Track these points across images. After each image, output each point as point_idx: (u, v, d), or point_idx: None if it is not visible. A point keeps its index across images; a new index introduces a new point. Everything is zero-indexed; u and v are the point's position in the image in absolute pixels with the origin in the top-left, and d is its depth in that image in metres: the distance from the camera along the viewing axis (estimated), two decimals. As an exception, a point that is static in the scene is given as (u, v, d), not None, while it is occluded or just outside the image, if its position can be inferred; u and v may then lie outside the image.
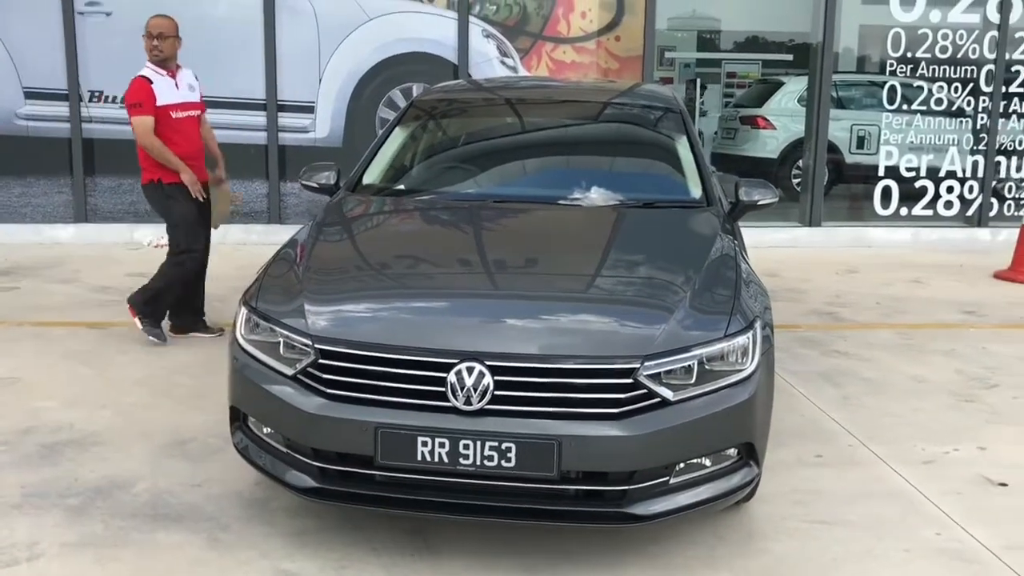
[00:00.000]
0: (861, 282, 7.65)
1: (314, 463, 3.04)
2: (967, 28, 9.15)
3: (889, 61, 9.17)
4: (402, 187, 4.26)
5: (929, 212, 9.47)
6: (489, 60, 8.75)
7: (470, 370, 2.87)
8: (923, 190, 9.42)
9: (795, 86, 11.49)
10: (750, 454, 3.13)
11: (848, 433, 4.35)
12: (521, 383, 2.88)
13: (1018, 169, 9.47)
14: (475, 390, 2.86)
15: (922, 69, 9.18)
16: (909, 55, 9.14)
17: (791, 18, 11.79)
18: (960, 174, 9.41)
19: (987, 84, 9.24)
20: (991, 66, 9.21)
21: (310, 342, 3.03)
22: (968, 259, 8.71)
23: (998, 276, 7.94)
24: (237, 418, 3.35)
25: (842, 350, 5.68)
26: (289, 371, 3.08)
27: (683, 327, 3.02)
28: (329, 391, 2.98)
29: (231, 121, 8.63)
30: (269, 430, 3.21)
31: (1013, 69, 9.26)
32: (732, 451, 3.11)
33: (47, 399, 4.58)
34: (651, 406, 2.90)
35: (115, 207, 8.74)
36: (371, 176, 4.29)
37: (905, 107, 9.28)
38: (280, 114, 8.61)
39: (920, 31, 9.10)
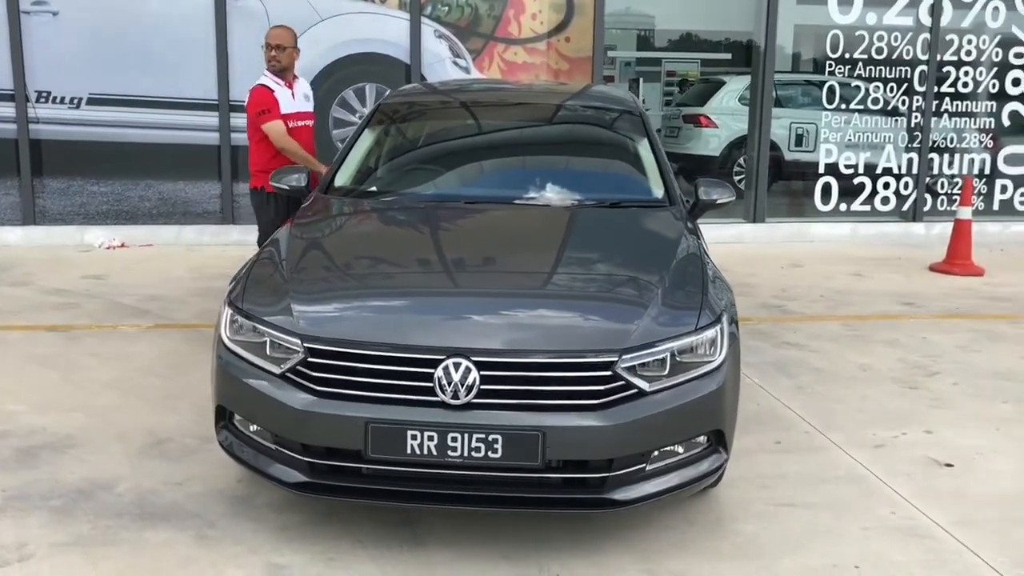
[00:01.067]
0: (805, 276, 7.93)
1: (303, 458, 3.13)
2: (901, 30, 9.51)
3: (828, 61, 9.48)
4: (375, 188, 4.36)
5: (867, 208, 9.82)
6: (441, 61, 8.84)
7: (457, 365, 2.99)
8: (861, 186, 9.76)
9: (736, 85, 11.77)
10: (719, 440, 3.30)
11: (804, 420, 4.56)
12: (506, 377, 3.01)
13: (949, 166, 9.87)
14: (462, 385, 2.98)
15: (859, 69, 9.52)
16: (847, 55, 9.47)
17: (729, 18, 12.12)
18: (896, 171, 9.77)
19: (920, 84, 9.62)
20: (924, 67, 9.59)
21: (299, 341, 3.11)
22: (905, 252, 9.07)
23: (934, 268, 8.30)
24: (223, 417, 3.42)
25: (792, 341, 5.92)
26: (277, 370, 3.16)
27: (657, 322, 3.18)
28: (318, 388, 3.07)
29: (183, 121, 8.61)
30: (256, 428, 3.29)
31: (944, 70, 9.65)
32: (702, 438, 3.28)
33: (15, 403, 4.57)
34: (628, 397, 3.05)
35: (64, 209, 8.65)
36: (343, 178, 4.38)
37: (844, 106, 9.61)
38: (232, 114, 8.59)
39: (857, 32, 9.44)
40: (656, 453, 3.15)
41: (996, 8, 9.58)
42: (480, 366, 2.99)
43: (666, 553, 3.30)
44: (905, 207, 9.84)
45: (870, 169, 9.73)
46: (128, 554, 3.22)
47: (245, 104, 5.49)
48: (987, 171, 9.85)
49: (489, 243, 3.83)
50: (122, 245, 8.49)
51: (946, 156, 9.85)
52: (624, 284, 3.48)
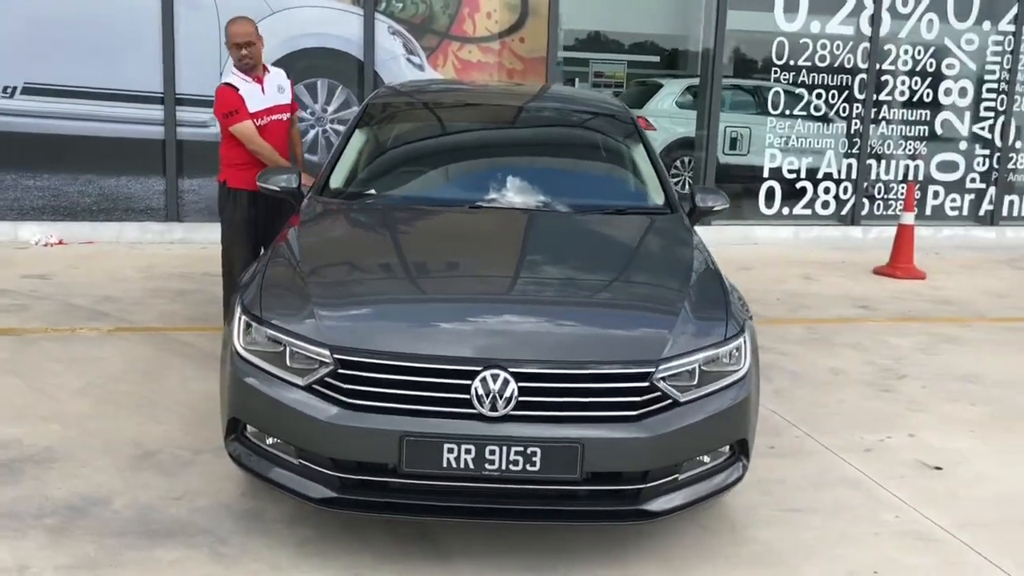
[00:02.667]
0: (758, 279, 8.07)
1: (332, 473, 3.04)
2: (843, 39, 9.76)
3: (773, 68, 9.68)
4: (378, 191, 4.26)
5: (808, 211, 10.06)
6: (395, 57, 8.72)
7: (495, 377, 2.94)
8: (803, 191, 9.99)
9: (673, 88, 11.94)
10: (743, 449, 3.33)
11: (792, 425, 4.64)
12: (544, 388, 2.97)
13: (887, 172, 10.19)
14: (500, 396, 2.93)
15: (803, 76, 9.74)
16: (791, 62, 9.68)
17: (658, 22, 12.31)
18: (836, 176, 10.04)
19: (860, 92, 9.90)
20: (864, 75, 9.86)
21: (328, 352, 3.02)
22: (846, 256, 9.33)
23: (878, 272, 8.55)
24: (235, 429, 3.29)
25: (761, 345, 6.00)
26: (301, 381, 3.06)
27: (689, 332, 3.18)
28: (349, 401, 2.99)
29: (125, 114, 8.29)
30: (274, 441, 3.18)
31: (883, 78, 9.95)
32: (726, 448, 3.30)
33: (-18, 413, 4.33)
34: (663, 408, 3.05)
35: (-5, 204, 8.25)
36: (340, 179, 4.26)
37: (787, 112, 9.82)
38: (179, 108, 8.31)
39: (801, 40, 9.66)
40: (686, 463, 3.16)
41: (931, 20, 9.92)
42: (518, 377, 2.95)
43: (688, 561, 3.31)
44: (844, 211, 10.11)
45: (811, 174, 9.97)
46: (140, 575, 3.08)
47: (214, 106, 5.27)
48: (921, 177, 10.19)
49: (508, 249, 3.78)
50: (60, 242, 8.14)
51: (883, 162, 10.15)
52: (652, 293, 3.48)
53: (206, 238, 8.16)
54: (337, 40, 8.61)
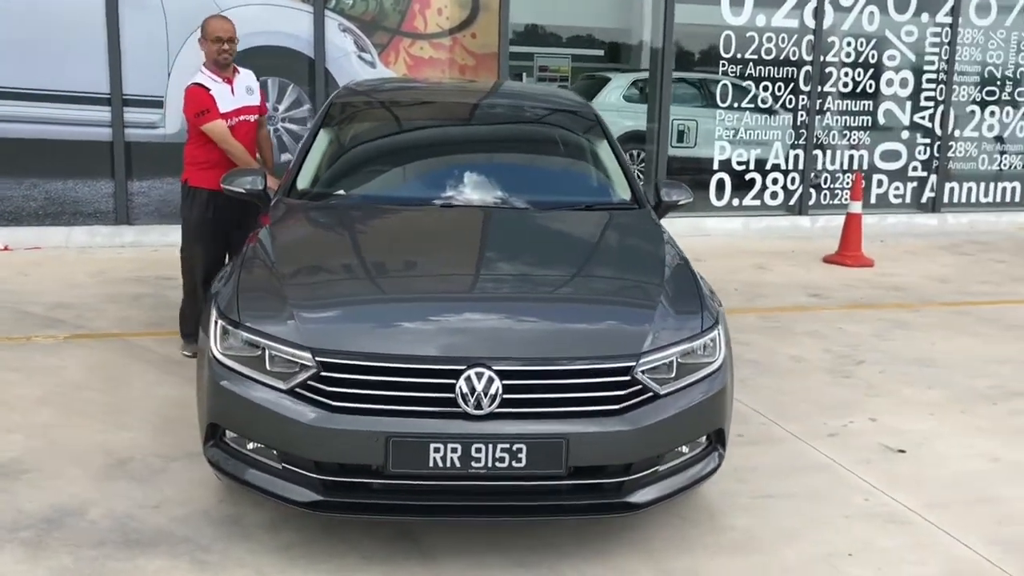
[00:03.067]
0: (713, 269, 8.14)
1: (316, 476, 3.03)
2: (788, 32, 9.93)
3: (721, 61, 9.81)
4: (347, 191, 4.23)
5: (757, 202, 10.22)
6: (347, 55, 8.66)
7: (479, 375, 2.96)
8: (752, 182, 10.15)
9: (620, 82, 12.05)
10: (719, 439, 3.39)
11: (757, 413, 4.73)
12: (528, 385, 3.00)
13: (832, 162, 10.39)
14: (485, 395, 2.95)
15: (750, 69, 9.89)
16: (739, 55, 9.82)
17: (603, 16, 12.43)
18: (784, 167, 10.21)
19: (805, 84, 10.08)
20: (808, 67, 10.05)
21: (309, 355, 3.00)
22: (796, 245, 9.50)
23: (827, 260, 8.73)
24: (213, 435, 3.26)
25: (722, 335, 6.11)
26: (283, 385, 3.04)
27: (667, 325, 3.23)
28: (333, 403, 2.98)
29: (71, 116, 8.10)
30: (255, 446, 3.16)
31: (827, 70, 10.14)
32: (703, 438, 3.36)
33: (-58, 426, 4.23)
34: (644, 401, 3.10)
35: (-62, 210, 8.01)
36: (307, 180, 4.23)
37: (736, 104, 9.96)
38: (126, 109, 8.15)
39: (748, 33, 9.80)
40: (666, 455, 3.21)
41: (872, 12, 10.13)
42: (502, 375, 2.97)
43: (670, 552, 3.36)
44: (792, 201, 10.29)
45: (760, 165, 10.13)
46: (124, 585, 3.04)
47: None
48: (865, 167, 10.42)
49: (483, 247, 3.80)
50: (5, 248, 7.93)
51: (828, 152, 10.36)
52: (628, 288, 3.52)
53: (158, 240, 8.03)
54: (287, 38, 8.51)
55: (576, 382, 3.03)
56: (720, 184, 10.04)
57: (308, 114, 8.65)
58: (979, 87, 10.78)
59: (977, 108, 10.81)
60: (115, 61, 8.08)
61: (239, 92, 5.19)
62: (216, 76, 5.13)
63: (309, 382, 3.01)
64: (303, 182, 4.23)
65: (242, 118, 5.19)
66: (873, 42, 10.24)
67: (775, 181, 10.20)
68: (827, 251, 8.92)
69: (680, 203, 4.45)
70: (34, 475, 3.78)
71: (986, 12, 10.57)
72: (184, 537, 3.34)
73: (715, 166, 10.01)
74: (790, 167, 10.23)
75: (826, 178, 10.40)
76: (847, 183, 10.40)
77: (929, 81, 10.54)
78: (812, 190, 10.36)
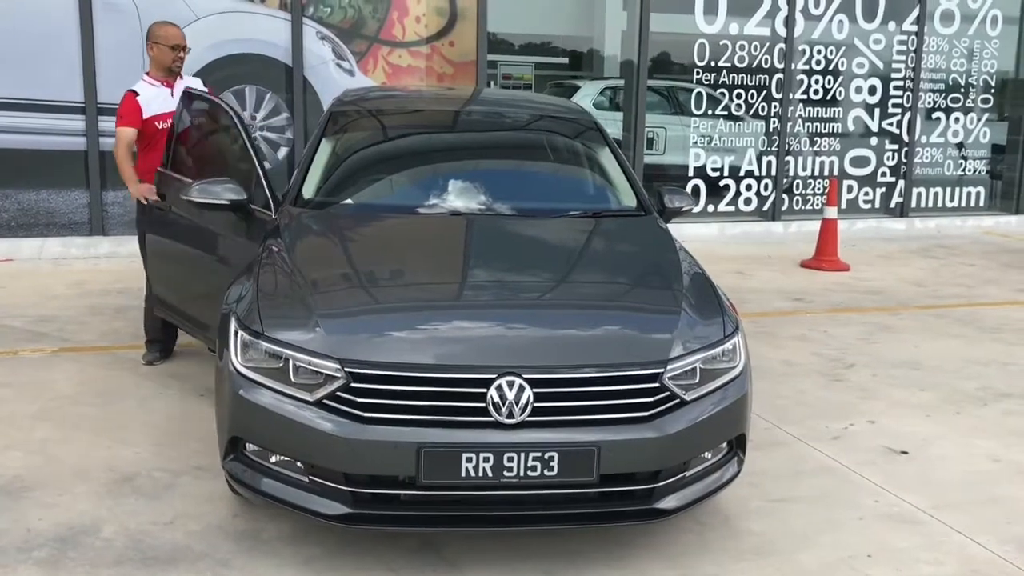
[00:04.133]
0: (693, 275, 8.26)
1: (347, 488, 3.00)
2: (760, 40, 10.07)
3: (695, 69, 9.91)
4: (359, 199, 4.19)
5: (731, 208, 10.33)
6: (325, 63, 8.61)
7: (510, 384, 2.95)
8: (726, 188, 10.26)
9: (590, 90, 12.12)
10: (740, 444, 3.42)
11: (759, 416, 4.76)
12: (559, 393, 2.99)
13: (803, 168, 10.54)
14: (516, 403, 2.94)
15: (723, 77, 10.00)
16: (712, 63, 9.93)
17: (566, 24, 12.52)
18: (757, 173, 10.34)
19: (777, 91, 10.22)
20: (780, 75, 10.19)
21: (338, 366, 2.97)
22: (771, 251, 9.62)
23: (805, 265, 8.84)
24: (235, 448, 3.21)
25: (712, 340, 6.16)
26: (309, 396, 3.01)
27: (691, 331, 3.25)
28: (363, 415, 2.95)
29: (44, 125, 7.96)
30: (279, 458, 3.12)
31: (798, 78, 10.30)
32: (724, 444, 3.38)
33: (-64, 443, 4.11)
34: (671, 407, 3.11)
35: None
36: (313, 189, 4.19)
37: (710, 112, 10.07)
38: (101, 118, 8.02)
39: (721, 42, 9.92)
40: (692, 460, 3.23)
41: (841, 21, 10.31)
42: (533, 383, 2.96)
43: (692, 556, 3.38)
44: (765, 207, 10.42)
45: (734, 172, 10.25)
46: (147, 604, 2.98)
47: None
48: (836, 172, 10.58)
49: (503, 255, 3.78)
50: (-23, 260, 7.76)
51: (800, 159, 10.51)
52: (651, 295, 3.53)
53: (134, 251, 7.80)
54: (264, 46, 8.45)
55: (606, 389, 3.03)
56: (695, 191, 10.12)
57: (286, 122, 8.58)
58: (944, 94, 11.01)
59: (942, 114, 11.05)
60: (89, 69, 7.97)
61: (178, 95, 5.17)
62: (156, 81, 5.21)
63: (338, 393, 2.97)
64: (309, 191, 4.18)
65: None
66: (842, 50, 10.42)
67: (749, 187, 10.32)
68: (802, 256, 9.04)
69: (683, 209, 4.49)
70: (39, 493, 3.70)
71: (950, 21, 10.80)
72: (203, 553, 3.28)
73: (690, 173, 10.10)
74: (763, 173, 10.36)
75: (798, 184, 10.54)
76: (818, 189, 10.56)
77: (896, 88, 10.75)
78: (784, 196, 10.49)
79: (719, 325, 3.35)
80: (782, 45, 10.14)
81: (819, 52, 10.33)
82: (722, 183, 10.22)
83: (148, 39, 5.27)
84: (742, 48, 10.00)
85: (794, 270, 8.68)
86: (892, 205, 10.98)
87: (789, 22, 10.08)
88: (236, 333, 3.20)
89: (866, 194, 10.84)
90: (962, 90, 11.08)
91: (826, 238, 8.86)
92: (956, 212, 11.28)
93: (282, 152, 8.53)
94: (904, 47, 10.68)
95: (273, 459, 3.14)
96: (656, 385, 3.07)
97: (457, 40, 8.97)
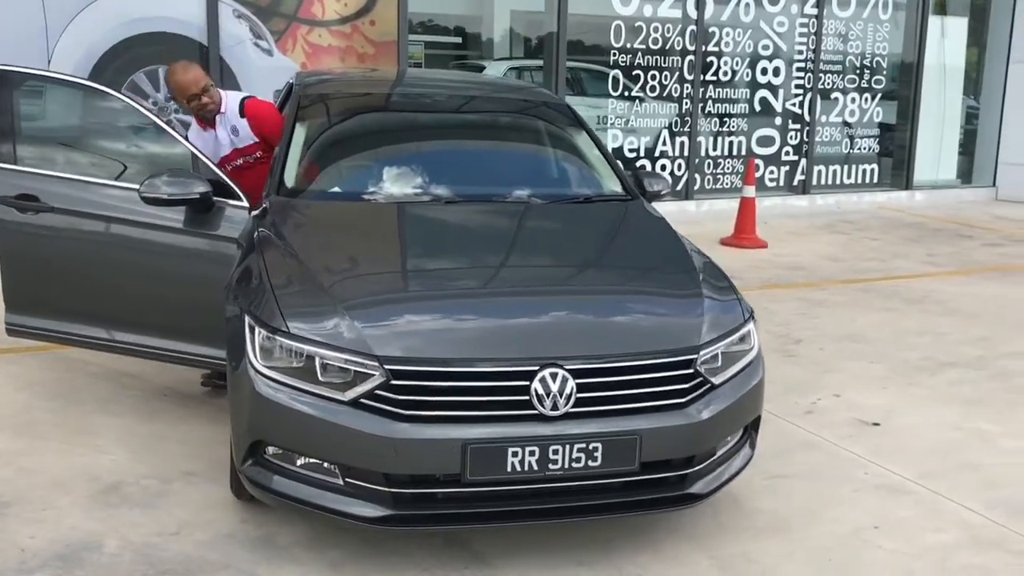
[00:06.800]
0: (623, 255, 8.35)
1: (388, 490, 2.90)
2: (672, 22, 10.22)
3: (612, 51, 9.99)
4: (344, 189, 4.03)
5: (646, 188, 10.46)
6: (242, 42, 8.26)
7: (553, 376, 2.91)
8: (641, 169, 10.39)
9: (494, 70, 12.09)
10: (755, 426, 3.48)
11: (732, 395, 4.87)
12: (600, 383, 2.97)
13: (714, 148, 10.79)
14: (560, 395, 2.90)
15: (638, 58, 10.12)
16: (628, 45, 10.03)
17: (453, 4, 12.50)
18: (671, 153, 10.52)
19: (690, 73, 10.41)
20: (692, 56, 10.38)
21: (376, 363, 2.86)
22: (687, 229, 9.63)
23: (724, 243, 9.07)
24: (254, 453, 3.06)
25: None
26: (342, 396, 2.89)
27: (716, 315, 3.27)
28: (404, 412, 2.85)
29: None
30: (307, 461, 2.99)
31: (708, 60, 10.51)
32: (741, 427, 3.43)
33: None
34: (703, 393, 3.13)
35: None
36: (293, 178, 4.00)
37: (626, 93, 10.18)
38: (1, 100, 7.46)
39: (636, 24, 10.02)
40: (719, 444, 3.27)
41: (748, 4, 10.57)
42: (575, 374, 2.93)
43: (717, 538, 3.42)
44: (679, 187, 10.62)
45: (649, 152, 10.40)
46: (177, 621, 2.82)
47: None
48: (743, 152, 10.88)
49: (515, 242, 3.71)
50: None
51: (711, 139, 10.75)
52: (673, 280, 3.52)
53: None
54: (177, 24, 8.04)
55: (645, 377, 3.02)
56: (612, 171, 10.20)
57: (202, 105, 8.19)
58: (841, 75, 11.45)
59: (840, 95, 11.49)
60: (-15, 49, 7.39)
61: (228, 130, 4.44)
62: (199, 127, 4.51)
63: (376, 391, 2.86)
64: (291, 179, 4.00)
65: (241, 161, 4.49)
66: (749, 32, 10.68)
67: (663, 168, 10.49)
68: (719, 234, 9.26)
69: (662, 193, 4.51)
70: (19, 508, 3.44)
71: (846, 4, 11.22)
72: (221, 563, 3.12)
73: (607, 153, 10.17)
74: (676, 153, 10.55)
75: (708, 164, 10.79)
76: (728, 169, 10.84)
77: (799, 70, 11.11)
78: (696, 176, 10.72)
79: (737, 309, 3.39)
80: (693, 27, 10.31)
81: (727, 34, 10.56)
82: (638, 164, 10.35)
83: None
84: (656, 30, 10.13)
85: (715, 247, 8.87)
86: (795, 183, 11.36)
87: (700, 4, 10.26)
88: (255, 331, 3.04)
89: (771, 172, 11.18)
90: (857, 71, 11.55)
91: (745, 216, 9.10)
92: (853, 189, 11.77)
93: (198, 136, 8.14)
94: (805, 29, 11.03)
95: (300, 462, 3.00)
96: (691, 371, 3.08)
97: (378, 19, 8.76)
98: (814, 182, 11.45)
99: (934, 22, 12.00)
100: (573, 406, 2.92)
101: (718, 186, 10.83)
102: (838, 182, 11.69)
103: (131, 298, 4.09)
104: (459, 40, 14.70)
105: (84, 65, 7.71)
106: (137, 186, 3.89)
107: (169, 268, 4.03)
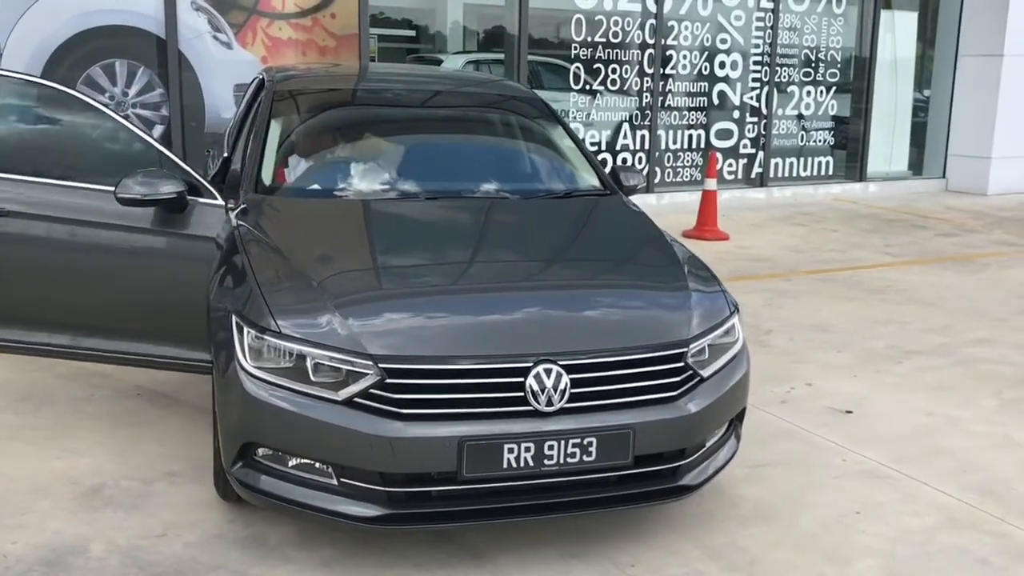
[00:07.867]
0: (588, 248, 8.39)
1: (382, 488, 2.88)
2: (632, 16, 10.28)
3: (573, 44, 10.02)
4: (323, 186, 3.97)
5: (608, 181, 10.53)
6: (200, 35, 8.13)
7: (547, 371, 2.92)
8: (603, 162, 10.45)
9: (452, 64, 12.08)
10: (740, 418, 3.52)
11: (707, 386, 4.93)
12: (594, 378, 2.98)
13: (674, 142, 10.88)
14: (555, 390, 2.91)
15: (599, 52, 10.16)
16: (588, 39, 10.07)
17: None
18: (632, 147, 10.59)
19: (649, 66, 10.48)
20: (652, 50, 10.45)
21: (370, 362, 2.85)
22: (650, 221, 9.88)
23: (687, 235, 9.15)
24: (244, 455, 3.03)
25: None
26: (335, 396, 2.87)
27: (703, 309, 3.31)
28: (400, 411, 2.84)
29: None
30: (299, 462, 2.96)
31: (668, 53, 10.59)
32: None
33: None
34: (693, 386, 3.16)
35: None
36: (270, 175, 3.95)
37: (587, 87, 10.21)
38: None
39: (596, 17, 10.06)
40: (708, 436, 3.31)
41: (706, -2, 10.69)
42: (569, 369, 2.94)
43: (705, 528, 3.46)
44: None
45: (610, 146, 10.46)
46: (172, 625, 2.78)
47: None
48: (702, 145, 10.99)
49: (504, 238, 3.71)
50: None
51: (671, 132, 10.84)
52: (660, 274, 3.55)
53: None
54: (135, 17, 7.88)
55: (638, 371, 3.04)
56: (574, 164, 10.24)
57: (161, 99, 8.07)
58: (797, 68, 11.61)
59: (796, 88, 11.65)
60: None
61: None
62: None
63: (371, 390, 2.85)
64: (268, 176, 3.95)
65: None
66: (707, 26, 10.78)
67: (624, 161, 10.55)
68: (681, 227, 9.34)
69: (637, 188, 4.54)
70: (0, 514, 3.36)
71: (802, -1, 11.40)
72: (212, 564, 3.09)
73: (569, 147, 10.21)
74: (637, 147, 10.62)
75: (668, 157, 10.87)
76: (688, 162, 10.94)
77: (756, 63, 11.24)
78: (657, 169, 10.81)
79: (723, 301, 3.43)
80: (653, 21, 10.38)
81: (687, 28, 10.65)
82: (600, 157, 10.40)
83: None
84: (616, 24, 10.18)
85: (679, 240, 8.95)
86: (753, 175, 11.50)
87: (658, -2, 10.34)
88: (242, 331, 3.00)
89: (730, 165, 11.31)
90: (812, 65, 11.72)
91: (707, 209, 9.19)
92: (808, 181, 11.95)
93: (157, 130, 8.01)
94: (762, 23, 11.16)
95: (292, 463, 2.98)
96: (682, 364, 3.12)
97: (339, 12, 8.68)
98: (771, 175, 11.60)
99: (885, 16, 12.22)
100: (567, 401, 2.94)
101: (678, 179, 10.93)
102: (794, 174, 11.86)
103: (99, 302, 3.97)
104: (412, 33, 14.66)
105: (38, 60, 7.53)
106: (96, 186, 3.80)
107: (139, 270, 3.91)
